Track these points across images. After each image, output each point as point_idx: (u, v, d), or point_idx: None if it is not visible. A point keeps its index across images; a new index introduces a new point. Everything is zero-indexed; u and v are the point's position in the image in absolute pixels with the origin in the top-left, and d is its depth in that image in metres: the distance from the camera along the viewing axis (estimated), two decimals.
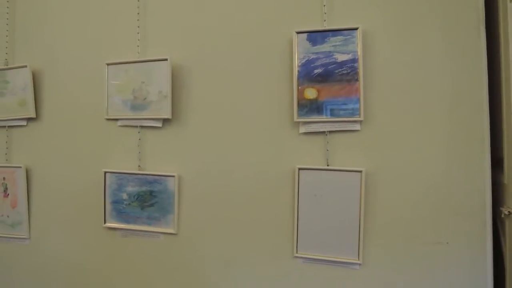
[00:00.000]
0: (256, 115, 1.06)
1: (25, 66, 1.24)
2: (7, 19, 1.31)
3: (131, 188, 1.13)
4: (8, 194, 1.27)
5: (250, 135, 1.07)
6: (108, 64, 1.15)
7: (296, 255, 0.98)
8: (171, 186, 1.09)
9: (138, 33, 1.15)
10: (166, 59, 1.08)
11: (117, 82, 1.16)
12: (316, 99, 0.97)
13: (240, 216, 1.08)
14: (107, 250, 1.20)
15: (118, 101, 1.16)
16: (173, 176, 1.08)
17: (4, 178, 1.28)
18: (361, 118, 0.92)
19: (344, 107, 0.94)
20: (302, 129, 0.99)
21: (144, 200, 1.11)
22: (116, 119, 1.17)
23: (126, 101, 1.14)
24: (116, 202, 1.14)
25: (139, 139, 1.13)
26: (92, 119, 1.21)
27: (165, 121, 1.11)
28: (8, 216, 1.28)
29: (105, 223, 1.16)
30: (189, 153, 1.12)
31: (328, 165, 0.97)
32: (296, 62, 0.98)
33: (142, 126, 1.13)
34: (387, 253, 0.93)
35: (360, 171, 0.91)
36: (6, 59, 1.30)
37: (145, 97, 1.11)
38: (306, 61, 0.98)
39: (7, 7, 1.31)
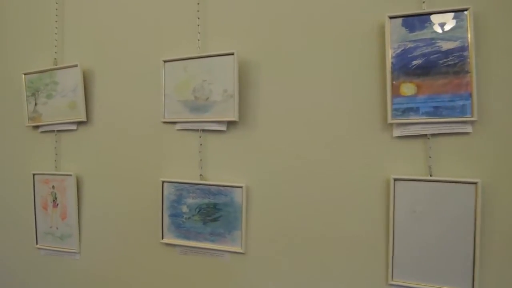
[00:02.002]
0: (338, 116, 1.08)
1: (76, 66, 1.35)
2: (56, 15, 1.44)
3: (192, 200, 1.18)
4: (58, 204, 1.39)
5: (331, 139, 1.09)
6: (165, 61, 1.23)
7: (392, 282, 0.98)
8: (238, 198, 1.13)
9: (198, 25, 1.22)
10: (232, 53, 1.12)
11: (175, 81, 1.21)
12: (414, 96, 0.96)
13: (320, 234, 1.10)
14: (164, 268, 1.29)
15: (176, 102, 1.23)
16: (241, 187, 1.12)
17: (53, 187, 1.40)
18: (474, 118, 0.90)
19: (450, 105, 0.93)
20: (397, 132, 0.99)
21: (207, 213, 1.17)
22: (174, 122, 1.24)
23: (186, 102, 1.20)
24: (174, 215, 1.21)
25: (201, 144, 1.19)
26: (147, 123, 1.30)
27: (231, 124, 1.16)
28: (57, 228, 1.40)
29: (162, 238, 1.21)
30: (259, 160, 1.16)
31: (431, 175, 0.95)
32: (389, 53, 0.98)
33: (204, 130, 1.19)
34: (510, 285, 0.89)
35: (475, 183, 0.89)
36: (55, 59, 1.43)
37: (207, 97, 1.16)
38: (401, 51, 0.97)
39: (56, 3, 1.45)
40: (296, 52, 1.13)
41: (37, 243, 1.46)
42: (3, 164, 1.55)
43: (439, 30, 0.94)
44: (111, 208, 1.34)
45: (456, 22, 0.92)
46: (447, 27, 0.93)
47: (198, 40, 1.20)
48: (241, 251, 1.14)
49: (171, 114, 1.23)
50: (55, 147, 1.42)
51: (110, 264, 1.34)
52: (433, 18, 0.94)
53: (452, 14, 0.93)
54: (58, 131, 1.43)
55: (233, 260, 1.16)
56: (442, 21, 0.94)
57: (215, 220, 1.16)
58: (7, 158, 1.53)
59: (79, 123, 1.40)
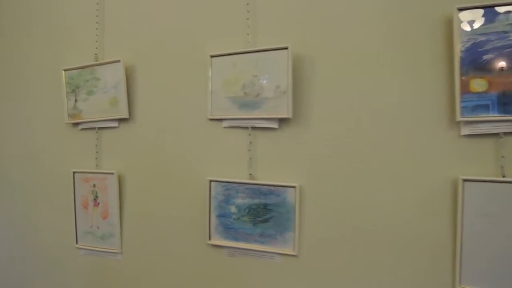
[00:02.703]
0: (401, 114, 1.09)
1: (118, 61, 1.39)
2: (97, 10, 1.48)
3: (241, 200, 1.21)
4: (99, 203, 1.44)
5: (394, 138, 1.10)
6: (212, 56, 1.26)
7: None
8: (290, 199, 1.15)
9: (247, 18, 1.24)
10: (285, 48, 1.15)
11: (223, 77, 1.24)
12: (485, 92, 0.96)
13: (379, 237, 1.11)
14: (210, 270, 1.32)
15: (223, 98, 1.27)
16: (294, 187, 1.14)
17: (94, 186, 1.45)
18: None
19: None
20: (465, 130, 0.99)
21: (256, 214, 1.19)
22: (221, 119, 1.27)
23: (234, 99, 1.23)
24: (222, 216, 1.24)
25: (250, 142, 1.21)
26: (192, 120, 1.34)
27: (282, 121, 1.18)
28: (98, 227, 1.45)
29: (209, 239, 1.24)
30: (312, 159, 1.19)
31: (504, 176, 0.95)
32: (458, 47, 0.98)
33: (253, 128, 1.21)
34: None
35: None
36: (96, 54, 1.48)
37: (258, 93, 1.19)
38: (471, 44, 0.98)
39: None
40: (353, 46, 1.14)
41: (77, 243, 1.50)
42: (43, 162, 1.62)
43: None
44: (155, 207, 1.39)
45: None
46: None
47: (248, 34, 1.23)
48: (293, 253, 1.17)
49: (218, 111, 1.26)
50: (96, 145, 1.46)
51: (153, 265, 1.38)
52: (506, 9, 0.93)
53: None
54: (99, 128, 1.47)
55: (284, 263, 1.19)
56: None
57: (265, 221, 1.19)
58: (46, 155, 1.59)
59: (121, 120, 1.44)
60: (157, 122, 1.38)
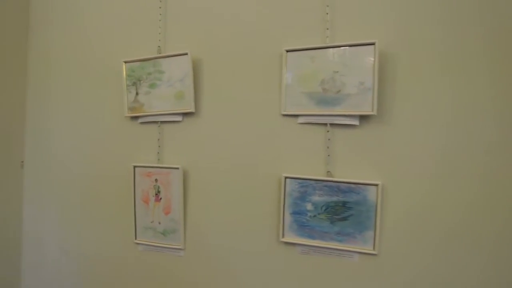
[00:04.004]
0: (495, 117, 1.10)
1: (185, 54, 1.40)
2: (160, 1, 1.48)
3: (318, 198, 1.22)
4: (161, 198, 1.45)
5: (485, 142, 1.11)
6: (287, 51, 1.26)
7: None
8: (371, 197, 1.17)
9: (327, 13, 1.25)
10: (372, 43, 1.16)
11: (299, 72, 1.26)
12: None
13: (466, 238, 1.13)
14: (282, 268, 1.34)
15: (299, 94, 1.28)
16: (376, 185, 1.16)
17: (156, 180, 1.46)
18: None
19: None
20: None
21: (334, 212, 1.21)
22: (296, 115, 1.28)
23: (311, 94, 1.24)
24: (297, 213, 1.25)
25: (328, 139, 1.22)
26: (263, 115, 1.35)
27: (363, 118, 1.20)
28: (159, 223, 1.46)
29: (283, 237, 1.26)
30: (395, 157, 1.20)
31: None
32: None
33: (332, 124, 1.22)
34: None
35: None
36: (159, 47, 1.49)
37: (338, 89, 1.20)
38: None
39: None
40: (443, 42, 1.15)
41: (136, 238, 1.50)
42: (102, 155, 1.64)
43: None
44: (221, 203, 1.40)
45: None
46: None
47: (327, 29, 1.23)
48: (373, 252, 1.18)
49: (293, 106, 1.28)
50: (158, 139, 1.46)
51: (218, 262, 1.39)
52: None
53: None
54: (162, 122, 1.47)
55: (363, 262, 1.20)
56: None
57: (344, 219, 1.20)
58: (105, 149, 1.61)
59: (185, 114, 1.44)
60: (225, 117, 1.39)
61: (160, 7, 1.50)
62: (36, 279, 1.75)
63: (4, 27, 1.70)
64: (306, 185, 1.24)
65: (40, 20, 1.79)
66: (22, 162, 1.79)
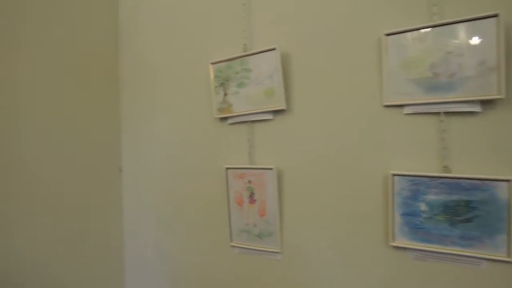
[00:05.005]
0: None
1: (273, 49, 1.35)
2: None
3: (434, 197, 1.10)
4: (255, 200, 1.41)
5: None
6: (387, 35, 1.14)
7: None
8: (502, 195, 1.02)
9: None
10: (495, 15, 1.01)
11: (402, 57, 1.14)
12: None
13: None
14: (392, 275, 1.25)
15: (404, 81, 1.18)
16: (508, 180, 1.00)
17: (249, 182, 1.42)
18: None
19: None
20: None
21: (455, 213, 1.07)
22: (401, 106, 1.17)
23: (419, 81, 1.12)
24: (409, 214, 1.13)
25: (443, 130, 1.09)
26: (362, 108, 1.27)
27: (486, 103, 1.06)
28: (255, 225, 1.42)
29: (393, 241, 1.14)
30: None
31: None
32: None
33: (447, 113, 1.07)
34: None
35: None
36: (245, 44, 1.45)
37: (453, 72, 1.07)
38: None
39: None
40: None
41: (231, 241, 1.49)
42: (195, 157, 1.67)
43: None
44: (319, 204, 1.35)
45: None
46: None
47: (434, 5, 1.08)
48: (507, 259, 1.03)
49: (397, 96, 1.16)
50: (249, 139, 1.43)
51: (318, 267, 1.34)
52: None
53: None
54: (252, 121, 1.44)
55: (493, 270, 1.07)
56: None
57: (467, 220, 1.06)
58: (197, 151, 1.64)
59: (276, 112, 1.40)
60: (319, 112, 1.33)
61: (243, 4, 1.47)
62: (137, 279, 1.84)
63: (96, 40, 1.84)
64: (418, 183, 1.12)
65: (128, 30, 1.90)
66: (120, 167, 1.88)
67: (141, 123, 1.81)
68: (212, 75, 1.52)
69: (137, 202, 1.83)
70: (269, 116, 1.41)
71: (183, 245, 1.69)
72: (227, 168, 1.50)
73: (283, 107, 1.37)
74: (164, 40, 1.75)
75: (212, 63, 1.53)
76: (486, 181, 1.05)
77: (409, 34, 1.15)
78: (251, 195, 1.44)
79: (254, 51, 1.43)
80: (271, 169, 1.38)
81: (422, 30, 1.13)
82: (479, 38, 1.04)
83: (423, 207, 1.13)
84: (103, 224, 1.80)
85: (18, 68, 1.42)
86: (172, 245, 1.72)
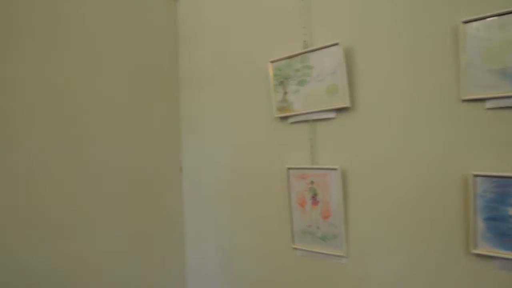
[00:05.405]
0: None
1: (336, 44, 1.29)
2: None
3: None
4: (318, 202, 1.35)
5: None
6: (465, 22, 1.03)
7: None
8: None
9: None
10: None
11: (482, 46, 1.06)
12: None
13: None
14: (471, 285, 1.14)
15: (485, 73, 1.08)
16: None
17: (312, 183, 1.36)
18: None
19: None
20: None
21: None
22: (482, 99, 1.08)
23: (505, 72, 1.03)
24: (493, 219, 1.04)
25: None
26: (436, 103, 1.19)
27: None
28: (318, 228, 1.36)
29: (475, 247, 1.04)
30: None
31: None
32: None
33: None
34: None
35: None
36: (304, 41, 1.39)
37: None
38: None
39: None
40: None
41: (293, 243, 1.45)
42: (255, 157, 1.67)
43: None
44: (388, 207, 1.29)
45: None
46: None
47: None
48: None
49: (478, 89, 1.07)
50: (311, 139, 1.38)
51: (387, 273, 1.27)
52: None
53: None
54: (313, 120, 1.39)
55: None
56: None
57: None
58: (257, 151, 1.64)
59: (339, 110, 1.34)
60: (388, 109, 1.26)
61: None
62: (199, 278, 1.86)
63: (156, 42, 1.90)
64: (505, 185, 1.02)
65: (187, 31, 1.94)
66: (181, 167, 1.92)
67: (200, 124, 1.84)
68: (271, 74, 1.50)
69: (197, 203, 1.86)
70: (332, 115, 1.36)
71: (244, 247, 1.68)
72: (289, 168, 1.46)
73: (347, 104, 1.31)
74: (222, 40, 1.77)
75: (271, 62, 1.50)
76: None
77: (490, 20, 1.05)
78: (314, 196, 1.40)
79: (315, 47, 1.38)
80: (335, 169, 1.33)
81: (506, 16, 1.00)
82: None
83: (511, 211, 1.01)
84: (164, 226, 1.86)
85: (98, 73, 1.49)
86: (234, 247, 1.72)
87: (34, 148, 1.29)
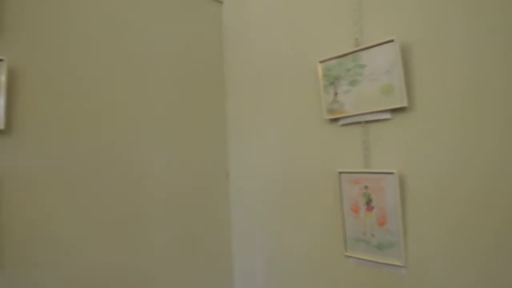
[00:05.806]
0: None
1: (391, 41, 1.24)
2: None
3: None
4: (373, 208, 1.27)
5: None
6: None
7: None
8: None
9: None
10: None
11: None
12: None
13: None
14: None
15: None
16: None
17: (366, 187, 1.29)
18: None
19: None
20: None
21: None
22: None
23: None
24: None
25: None
26: (505, 104, 1.06)
27: None
28: (373, 235, 1.28)
29: None
30: None
31: None
32: None
33: None
34: None
35: None
36: (356, 39, 1.33)
37: None
38: None
39: None
40: None
41: (346, 250, 1.38)
42: (304, 161, 1.62)
43: None
44: (452, 213, 1.20)
45: None
46: None
47: None
48: None
49: None
50: (364, 141, 1.30)
51: (452, 285, 1.12)
52: None
53: None
54: (367, 122, 1.32)
55: None
56: None
57: None
58: (306, 155, 1.60)
59: (395, 110, 1.27)
60: (449, 108, 1.18)
61: None
62: (247, 287, 1.83)
63: (202, 48, 1.93)
64: None
65: (232, 34, 1.94)
66: (227, 172, 1.91)
67: (247, 127, 1.82)
68: (320, 74, 1.46)
69: (244, 208, 1.85)
70: (387, 115, 1.29)
71: (293, 254, 1.63)
72: (340, 173, 1.40)
73: (405, 104, 1.24)
74: (268, 41, 1.75)
75: (320, 62, 1.45)
76: None
77: None
78: (368, 202, 1.33)
79: (367, 45, 1.31)
80: (392, 173, 1.25)
81: None
82: None
83: None
84: (213, 231, 1.86)
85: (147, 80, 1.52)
86: (282, 254, 1.68)
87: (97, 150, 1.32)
